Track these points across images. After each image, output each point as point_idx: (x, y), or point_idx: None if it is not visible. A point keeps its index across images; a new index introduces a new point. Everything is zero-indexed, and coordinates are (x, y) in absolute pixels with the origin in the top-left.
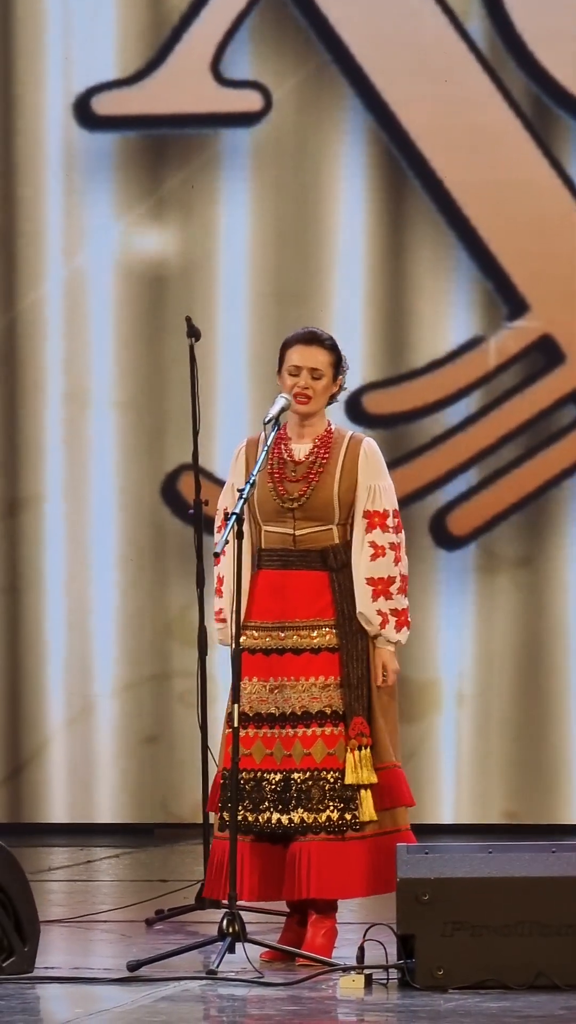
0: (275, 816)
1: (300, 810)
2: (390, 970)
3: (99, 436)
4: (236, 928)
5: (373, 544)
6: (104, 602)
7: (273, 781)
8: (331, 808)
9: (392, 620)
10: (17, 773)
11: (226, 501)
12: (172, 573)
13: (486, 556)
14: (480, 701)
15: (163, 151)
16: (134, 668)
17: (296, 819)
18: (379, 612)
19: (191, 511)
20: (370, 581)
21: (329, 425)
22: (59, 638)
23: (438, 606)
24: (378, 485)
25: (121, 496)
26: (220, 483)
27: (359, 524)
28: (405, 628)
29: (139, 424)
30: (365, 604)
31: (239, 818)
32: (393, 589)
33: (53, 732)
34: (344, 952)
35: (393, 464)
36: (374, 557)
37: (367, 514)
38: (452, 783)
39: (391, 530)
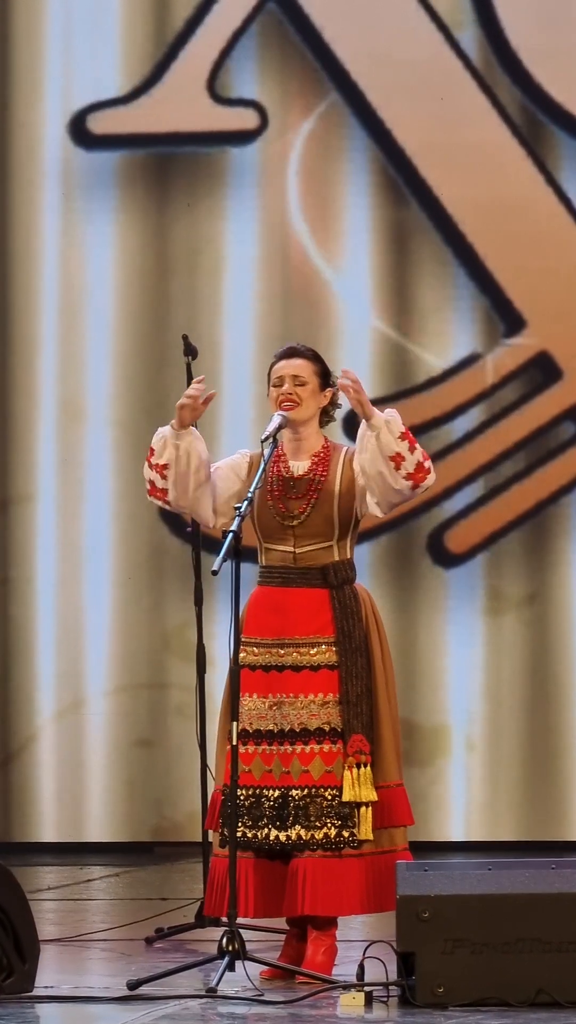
0: (273, 833)
1: (298, 827)
2: (390, 988)
3: (95, 454)
4: (236, 946)
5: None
6: (98, 614)
7: (271, 798)
8: (328, 825)
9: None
10: (6, 775)
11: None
12: (168, 590)
13: (484, 573)
14: (487, 715)
15: (160, 169)
16: (128, 677)
17: (294, 836)
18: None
19: (188, 528)
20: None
21: (326, 442)
22: (49, 645)
23: (437, 624)
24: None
25: (117, 512)
26: None
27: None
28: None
29: (137, 441)
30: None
31: (239, 834)
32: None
33: (43, 741)
34: (344, 970)
35: None
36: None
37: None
38: (461, 804)
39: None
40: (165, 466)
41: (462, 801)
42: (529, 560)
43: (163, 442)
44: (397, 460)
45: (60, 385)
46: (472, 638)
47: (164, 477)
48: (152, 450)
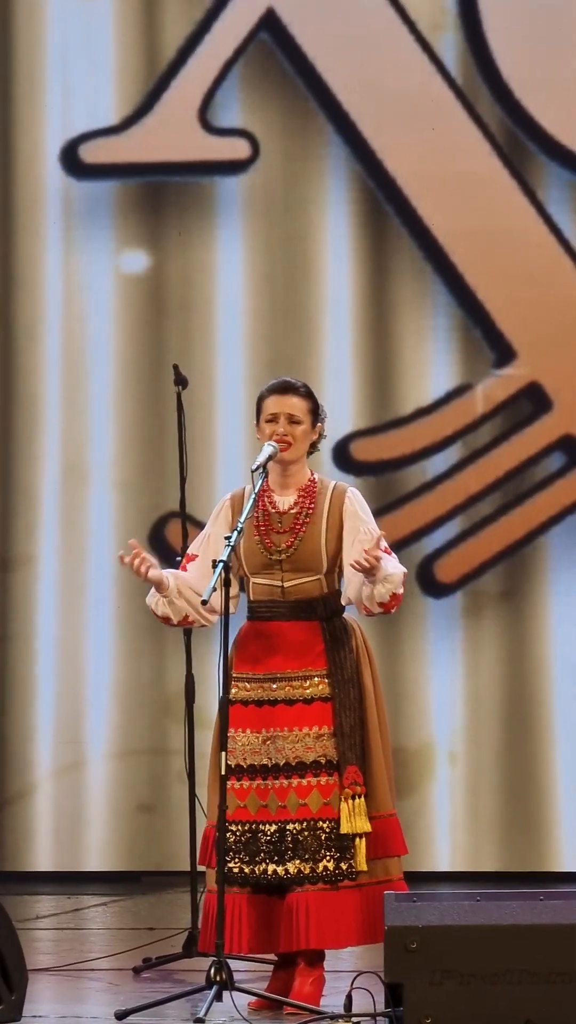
0: (271, 867)
1: (296, 860)
2: (378, 1018)
3: (93, 479)
4: (224, 976)
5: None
6: (99, 669)
7: (268, 832)
8: (327, 858)
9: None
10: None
11: (197, 549)
12: (170, 648)
13: (473, 603)
14: (469, 746)
15: (152, 199)
16: (127, 736)
17: (293, 869)
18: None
19: (179, 559)
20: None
21: (312, 475)
22: (49, 698)
23: (425, 653)
24: (366, 528)
25: (115, 542)
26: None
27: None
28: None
29: (133, 468)
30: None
31: (235, 870)
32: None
33: (40, 783)
34: (332, 1000)
35: (380, 512)
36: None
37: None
38: (446, 833)
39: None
40: (185, 618)
41: (446, 829)
42: (516, 591)
43: (161, 606)
44: (367, 609)
45: (63, 419)
46: (453, 664)
47: (192, 622)
48: (165, 619)
